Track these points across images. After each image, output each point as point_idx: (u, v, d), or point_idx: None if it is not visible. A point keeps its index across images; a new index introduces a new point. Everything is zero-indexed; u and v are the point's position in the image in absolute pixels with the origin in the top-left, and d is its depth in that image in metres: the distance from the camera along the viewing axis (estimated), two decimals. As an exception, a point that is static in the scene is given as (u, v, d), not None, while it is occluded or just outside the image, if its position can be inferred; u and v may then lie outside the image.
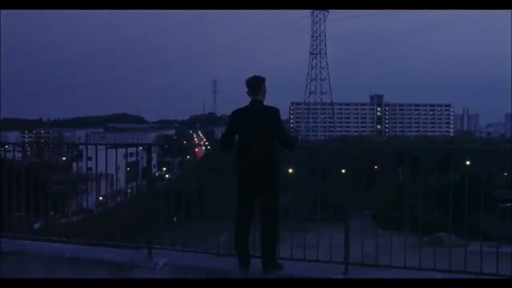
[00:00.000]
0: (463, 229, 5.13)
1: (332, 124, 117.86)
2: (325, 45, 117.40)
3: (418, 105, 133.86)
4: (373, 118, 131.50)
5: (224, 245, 5.66)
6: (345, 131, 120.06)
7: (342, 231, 5.12)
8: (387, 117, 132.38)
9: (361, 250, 5.22)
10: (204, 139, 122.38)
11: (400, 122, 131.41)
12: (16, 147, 7.00)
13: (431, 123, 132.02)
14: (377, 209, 26.76)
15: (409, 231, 5.57)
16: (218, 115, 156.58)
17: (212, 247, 5.72)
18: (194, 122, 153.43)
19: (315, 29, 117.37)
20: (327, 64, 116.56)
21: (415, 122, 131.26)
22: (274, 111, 5.12)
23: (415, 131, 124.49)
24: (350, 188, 5.40)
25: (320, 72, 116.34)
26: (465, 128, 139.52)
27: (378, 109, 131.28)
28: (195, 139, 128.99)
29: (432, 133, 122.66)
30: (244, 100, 5.17)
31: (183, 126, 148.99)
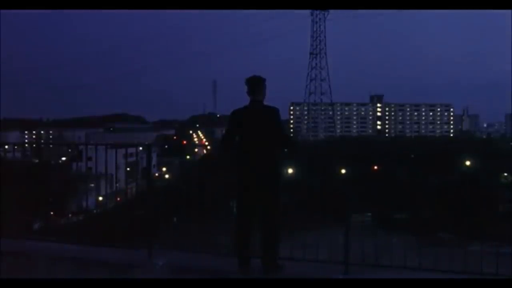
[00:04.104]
0: (463, 229, 5.14)
1: (332, 124, 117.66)
2: (325, 45, 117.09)
3: (418, 105, 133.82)
4: (373, 118, 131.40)
5: (224, 245, 5.66)
6: (345, 131, 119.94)
7: (342, 231, 5.12)
8: (387, 117, 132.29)
9: (361, 250, 5.22)
10: (204, 139, 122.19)
11: (400, 122, 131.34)
12: (16, 147, 7.01)
13: (431, 123, 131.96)
14: (377, 209, 26.75)
15: (409, 231, 5.58)
16: (218, 115, 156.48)
17: (212, 247, 5.72)
18: (194, 122, 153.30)
19: (315, 29, 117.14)
20: (327, 64, 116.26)
21: (415, 122, 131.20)
22: (274, 111, 5.12)
23: (415, 131, 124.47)
24: (350, 188, 5.39)
25: (320, 72, 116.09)
26: (465, 128, 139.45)
27: (378, 109, 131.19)
28: (195, 139, 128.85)
29: (432, 133, 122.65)
30: (244, 100, 5.17)
31: (183, 126, 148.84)
